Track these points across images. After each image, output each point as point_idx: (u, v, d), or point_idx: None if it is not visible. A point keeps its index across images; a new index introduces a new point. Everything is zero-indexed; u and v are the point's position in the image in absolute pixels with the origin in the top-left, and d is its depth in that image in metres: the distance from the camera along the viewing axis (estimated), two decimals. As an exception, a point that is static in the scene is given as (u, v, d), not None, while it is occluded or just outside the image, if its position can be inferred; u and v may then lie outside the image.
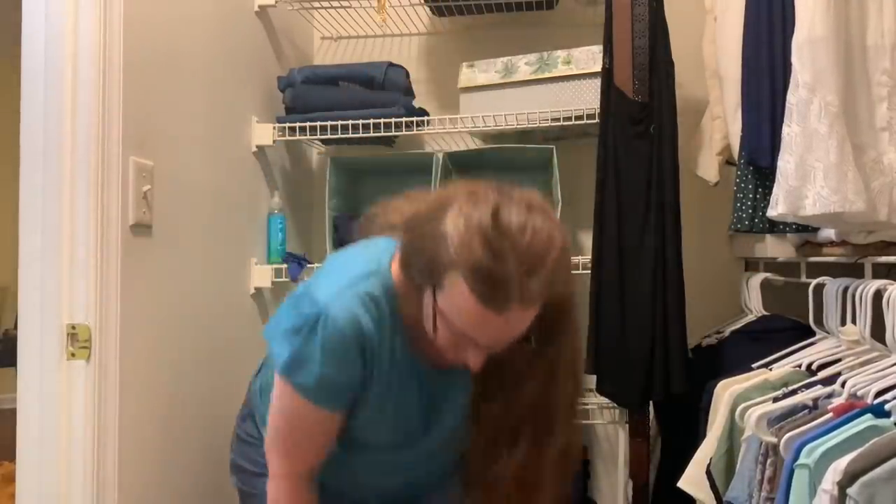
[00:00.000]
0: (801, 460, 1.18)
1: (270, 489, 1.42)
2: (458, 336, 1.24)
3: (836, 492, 1.05)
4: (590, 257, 2.04)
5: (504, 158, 2.37)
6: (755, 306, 2.05)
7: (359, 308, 1.29)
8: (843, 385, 1.36)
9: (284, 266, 2.28)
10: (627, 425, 2.10)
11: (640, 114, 1.96)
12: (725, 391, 1.58)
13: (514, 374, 1.37)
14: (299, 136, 2.33)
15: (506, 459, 1.39)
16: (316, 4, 2.48)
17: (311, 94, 2.34)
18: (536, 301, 1.20)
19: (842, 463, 1.08)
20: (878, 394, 1.29)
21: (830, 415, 1.27)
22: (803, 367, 1.59)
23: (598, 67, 2.10)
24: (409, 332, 1.35)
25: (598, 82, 2.08)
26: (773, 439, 1.30)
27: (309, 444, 1.40)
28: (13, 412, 1.58)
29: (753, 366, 1.69)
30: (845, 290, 1.52)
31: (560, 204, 2.20)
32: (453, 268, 1.17)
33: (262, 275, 2.29)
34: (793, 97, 1.51)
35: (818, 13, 1.49)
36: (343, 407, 1.36)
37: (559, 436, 1.40)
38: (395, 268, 1.33)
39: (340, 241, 2.40)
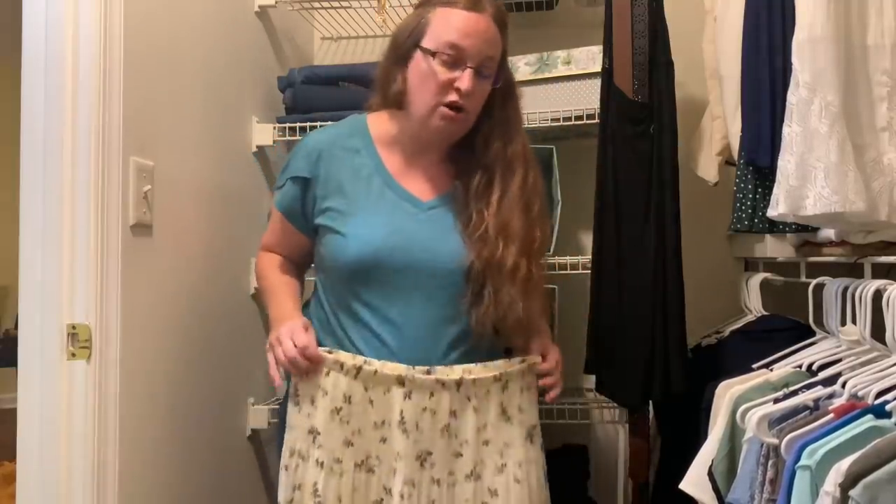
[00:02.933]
0: (803, 461, 1.18)
1: (256, 260, 1.83)
2: (448, 66, 1.54)
3: (838, 493, 1.05)
4: (590, 257, 2.04)
5: (504, 158, 2.37)
6: (755, 306, 2.05)
7: (329, 130, 1.73)
8: (843, 386, 1.36)
9: (284, 266, 2.27)
10: (627, 425, 2.10)
11: (640, 114, 1.96)
12: (726, 392, 1.58)
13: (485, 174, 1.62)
14: (299, 136, 2.33)
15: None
16: (316, 4, 2.48)
17: (311, 94, 2.33)
18: (502, 18, 1.61)
19: (844, 464, 1.07)
20: (879, 394, 1.30)
21: (831, 416, 1.27)
22: (804, 368, 1.59)
23: (598, 67, 2.10)
24: (389, 161, 1.65)
25: (598, 82, 2.07)
26: (775, 440, 1.30)
27: (277, 236, 1.76)
28: (13, 412, 1.58)
29: (754, 366, 1.69)
30: (845, 290, 1.52)
31: (560, 204, 2.20)
32: (438, 5, 1.57)
33: (261, 275, 2.29)
34: (793, 97, 1.51)
35: (818, 13, 1.49)
36: (291, 215, 1.68)
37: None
38: (371, 117, 1.68)
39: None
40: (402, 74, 1.61)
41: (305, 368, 1.54)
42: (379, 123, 1.68)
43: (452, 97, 1.55)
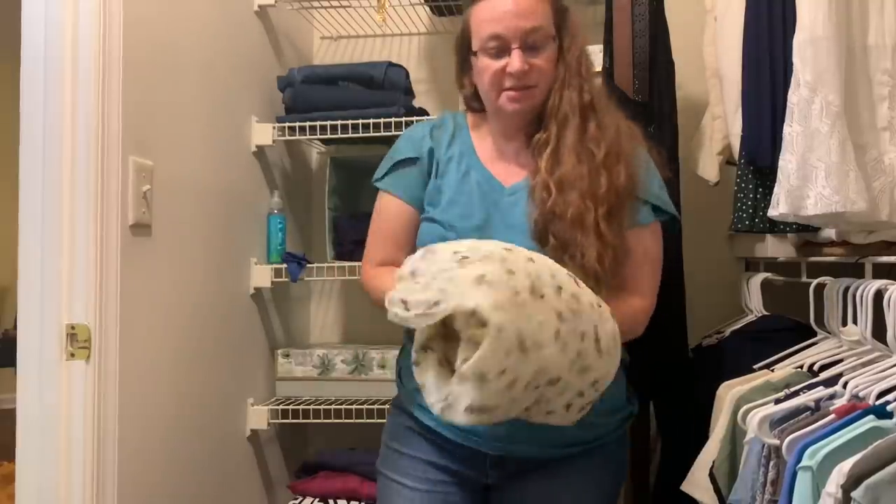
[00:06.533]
0: (804, 462, 1.17)
1: (363, 282, 1.71)
2: (496, 55, 1.56)
3: (840, 494, 1.05)
4: (590, 257, 2.04)
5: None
6: (755, 306, 2.05)
7: (430, 121, 1.74)
8: (845, 386, 1.36)
9: (284, 266, 2.27)
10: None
11: (641, 114, 1.95)
12: (727, 393, 1.57)
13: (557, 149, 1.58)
14: (299, 135, 2.33)
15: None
16: (316, 4, 2.47)
17: (310, 93, 2.33)
18: None
19: (846, 465, 1.07)
20: (881, 395, 1.29)
21: (833, 416, 1.27)
22: (805, 368, 1.58)
23: (598, 67, 2.10)
24: (479, 144, 1.68)
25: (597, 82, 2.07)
26: (776, 441, 1.30)
27: (383, 238, 1.69)
28: (12, 412, 1.58)
29: (755, 367, 1.68)
30: (846, 290, 1.52)
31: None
32: (470, 5, 1.61)
33: (261, 275, 2.29)
34: (794, 97, 1.51)
35: (819, 13, 1.49)
36: (403, 194, 1.66)
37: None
38: (470, 115, 1.72)
39: (340, 241, 2.40)
40: (470, 79, 1.66)
41: None
42: (473, 117, 1.72)
43: (508, 83, 1.57)
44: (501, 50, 1.56)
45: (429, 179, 1.66)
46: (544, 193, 1.54)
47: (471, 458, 1.59)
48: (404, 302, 1.29)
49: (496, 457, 1.58)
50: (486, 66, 1.57)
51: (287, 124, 2.32)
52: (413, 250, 1.49)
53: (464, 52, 1.65)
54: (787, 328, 1.84)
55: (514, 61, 1.55)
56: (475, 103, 1.69)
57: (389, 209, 1.69)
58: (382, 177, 1.70)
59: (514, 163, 1.65)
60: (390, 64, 2.34)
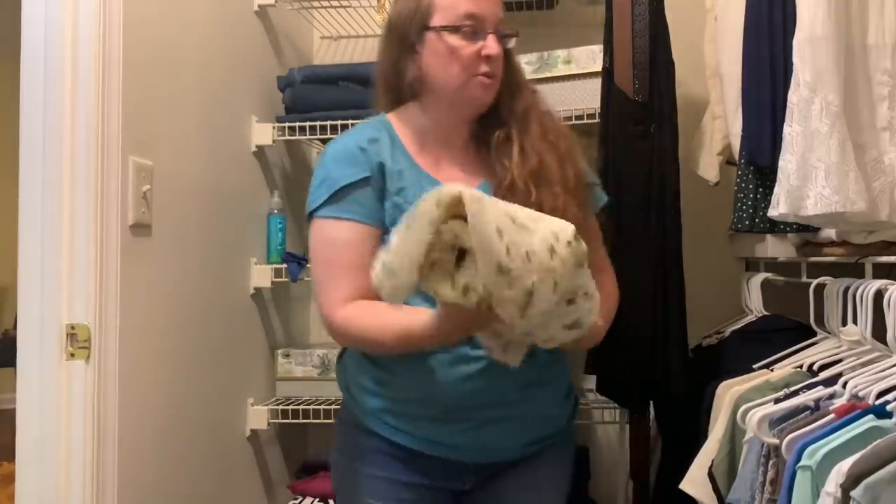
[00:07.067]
0: (804, 462, 1.17)
1: (334, 327, 1.49)
2: (470, 36, 1.49)
3: (839, 494, 1.05)
4: (590, 257, 2.04)
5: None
6: (756, 306, 2.05)
7: (356, 131, 1.58)
8: (844, 386, 1.36)
9: (284, 266, 2.27)
10: (628, 425, 2.09)
11: (641, 113, 1.96)
12: (727, 392, 1.57)
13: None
14: (299, 135, 2.33)
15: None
16: (316, 4, 2.47)
17: (310, 93, 2.33)
18: None
19: (845, 465, 1.07)
20: (880, 394, 1.29)
21: (832, 416, 1.27)
22: (805, 368, 1.58)
23: (598, 67, 2.10)
24: (417, 154, 1.56)
25: (598, 82, 2.07)
26: (775, 441, 1.30)
27: (346, 269, 1.48)
28: (12, 412, 1.58)
29: (755, 366, 1.69)
30: (846, 290, 1.52)
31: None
32: None
33: (261, 275, 2.29)
34: (794, 96, 1.50)
35: (819, 12, 1.49)
36: (362, 217, 1.50)
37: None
38: (392, 115, 1.59)
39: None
40: (416, 62, 1.54)
41: None
42: (399, 120, 1.60)
43: (484, 67, 1.51)
44: (475, 32, 1.50)
45: (384, 197, 1.52)
46: (525, 190, 1.50)
47: (445, 469, 1.55)
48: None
49: (476, 464, 1.57)
50: (458, 46, 1.50)
51: (287, 124, 2.32)
52: None
53: (413, 30, 1.53)
54: (787, 328, 1.84)
55: (492, 45, 1.50)
56: (410, 93, 1.58)
57: (344, 236, 1.50)
58: (323, 204, 1.51)
59: (459, 169, 1.58)
60: (390, 64, 2.34)
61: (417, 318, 1.38)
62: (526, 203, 1.43)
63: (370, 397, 1.56)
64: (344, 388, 1.64)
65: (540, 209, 1.40)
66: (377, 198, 1.52)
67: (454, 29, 1.50)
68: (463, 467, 1.56)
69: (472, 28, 1.50)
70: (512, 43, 1.57)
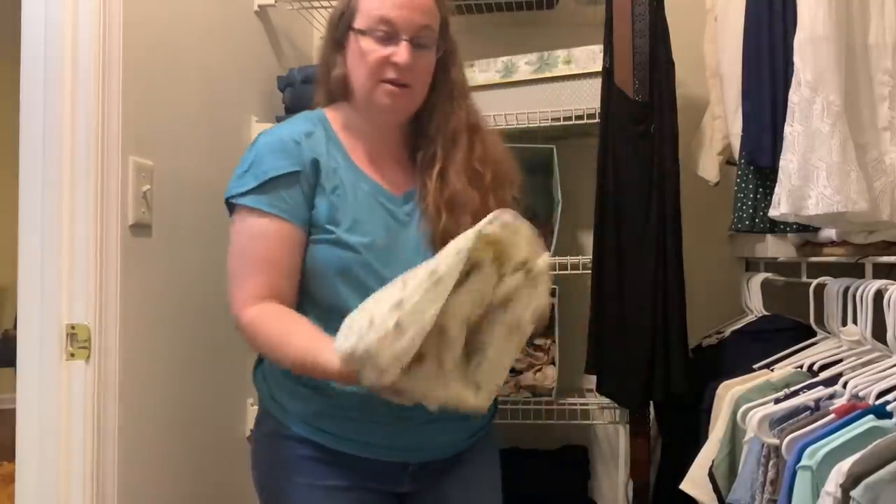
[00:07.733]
0: (804, 462, 1.17)
1: (241, 326, 1.46)
2: (382, 41, 1.46)
3: (839, 494, 1.05)
4: (590, 257, 2.04)
5: (504, 158, 2.37)
6: (756, 306, 2.05)
7: (291, 123, 1.55)
8: (844, 386, 1.36)
9: (284, 266, 2.27)
10: (628, 425, 2.10)
11: (641, 113, 1.96)
12: (727, 392, 1.58)
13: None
14: (299, 135, 2.32)
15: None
16: (315, 4, 2.47)
17: (310, 93, 2.31)
18: None
19: (845, 465, 1.07)
20: (880, 394, 1.29)
21: (832, 416, 1.27)
22: (805, 368, 1.58)
23: (598, 67, 2.10)
24: (352, 151, 1.53)
25: (598, 82, 2.07)
26: (775, 441, 1.30)
27: (261, 265, 1.45)
28: (12, 413, 1.57)
29: (755, 367, 1.69)
30: (846, 290, 1.52)
31: (560, 204, 2.20)
32: None
33: (261, 275, 2.28)
34: (795, 96, 1.51)
35: (819, 12, 1.49)
36: (286, 213, 1.45)
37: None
38: (328, 110, 1.57)
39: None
40: (342, 61, 1.53)
41: None
42: (335, 115, 1.57)
43: (391, 74, 1.47)
44: (388, 37, 1.47)
45: (314, 195, 1.48)
46: (435, 215, 1.49)
47: (384, 471, 1.52)
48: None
49: (417, 464, 1.54)
50: (368, 50, 1.47)
51: (287, 124, 2.31)
52: (299, 279, 1.45)
53: (341, 28, 1.52)
54: (787, 328, 1.84)
55: (402, 52, 1.46)
56: (338, 91, 1.56)
57: (268, 233, 1.45)
58: (248, 192, 1.46)
59: (397, 169, 1.56)
60: (390, 64, 2.34)
61: (326, 345, 1.29)
62: (436, 231, 1.47)
63: (303, 403, 1.51)
64: (266, 398, 1.60)
65: (448, 235, 1.37)
66: (304, 195, 1.47)
67: (366, 32, 1.48)
68: (403, 468, 1.54)
69: (386, 33, 1.47)
70: (428, 55, 1.50)
